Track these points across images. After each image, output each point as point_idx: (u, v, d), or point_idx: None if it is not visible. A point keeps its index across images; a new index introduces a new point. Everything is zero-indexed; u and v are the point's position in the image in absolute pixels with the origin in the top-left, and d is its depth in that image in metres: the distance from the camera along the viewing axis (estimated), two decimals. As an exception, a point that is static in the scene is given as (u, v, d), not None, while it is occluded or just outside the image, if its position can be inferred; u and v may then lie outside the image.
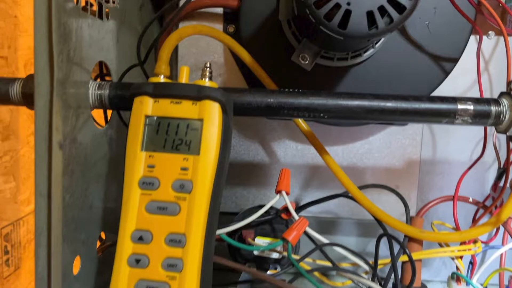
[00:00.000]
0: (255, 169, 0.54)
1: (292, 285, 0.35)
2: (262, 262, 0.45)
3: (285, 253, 0.42)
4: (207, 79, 0.35)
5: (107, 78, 0.43)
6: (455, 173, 0.56)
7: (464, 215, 0.52)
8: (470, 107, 0.38)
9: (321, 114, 0.38)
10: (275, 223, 0.46)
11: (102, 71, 0.41)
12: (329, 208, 0.54)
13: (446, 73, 0.47)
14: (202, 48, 0.52)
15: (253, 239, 0.44)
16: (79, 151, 0.35)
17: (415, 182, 0.54)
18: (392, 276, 0.40)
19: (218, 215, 0.34)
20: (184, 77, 0.35)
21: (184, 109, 0.33)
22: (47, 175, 0.28)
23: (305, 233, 0.40)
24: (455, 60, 0.47)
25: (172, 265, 0.32)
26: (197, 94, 0.33)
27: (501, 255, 0.46)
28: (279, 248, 0.41)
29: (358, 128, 0.53)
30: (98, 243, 0.40)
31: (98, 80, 0.40)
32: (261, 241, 0.44)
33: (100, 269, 0.40)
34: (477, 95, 0.49)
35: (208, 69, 0.35)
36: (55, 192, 0.29)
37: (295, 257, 0.41)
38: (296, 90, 0.39)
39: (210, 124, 0.33)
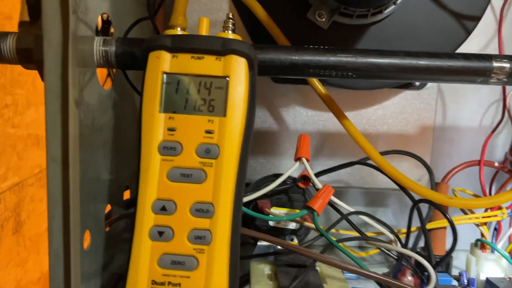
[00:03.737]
0: (262, 136, 0.51)
1: (326, 256, 0.33)
2: (278, 233, 0.43)
3: (307, 223, 0.39)
4: (230, 31, 0.31)
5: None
6: (464, 138, 0.55)
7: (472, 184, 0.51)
8: (507, 65, 0.36)
9: (350, 73, 0.35)
10: (291, 192, 0.43)
11: (106, 24, 0.36)
12: (340, 177, 0.52)
13: (468, 32, 0.45)
14: (204, 5, 0.48)
15: (269, 208, 0.41)
16: (87, 114, 0.31)
17: (429, 149, 0.52)
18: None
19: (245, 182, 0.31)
20: (204, 30, 0.31)
21: (206, 65, 0.30)
22: (61, 139, 0.25)
23: (329, 202, 0.37)
24: (477, 19, 0.45)
25: (200, 237, 0.29)
26: (222, 48, 0.30)
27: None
28: (302, 218, 0.39)
29: (371, 93, 0.51)
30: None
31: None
32: (278, 212, 0.41)
33: (108, 244, 0.37)
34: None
35: (231, 20, 0.31)
36: (73, 158, 0.25)
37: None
38: (322, 47, 0.36)
39: (236, 82, 0.30)
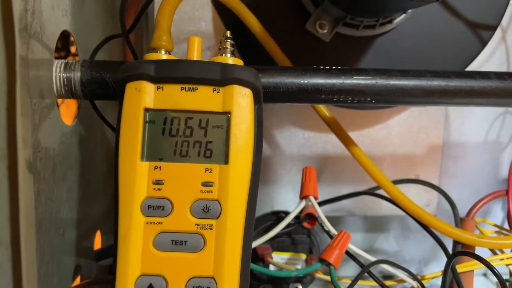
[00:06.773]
0: (254, 163, 0.45)
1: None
2: (281, 282, 0.36)
3: (319, 275, 0.33)
4: (229, 54, 0.25)
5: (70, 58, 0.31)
6: (469, 155, 0.51)
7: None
8: (546, 84, 0.31)
9: (368, 98, 0.29)
10: (294, 233, 0.37)
11: (68, 44, 0.29)
12: (342, 206, 0.47)
13: (484, 43, 0.40)
14: (185, 14, 0.42)
15: (271, 256, 0.35)
16: (45, 162, 0.24)
17: (438, 170, 0.47)
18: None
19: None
20: (195, 52, 0.25)
21: (201, 98, 0.23)
22: (9, 214, 0.18)
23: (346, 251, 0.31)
24: (493, 28, 0.40)
25: (200, 324, 0.22)
26: (220, 76, 0.23)
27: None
28: (315, 271, 0.33)
29: (374, 111, 0.45)
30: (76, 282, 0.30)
31: (69, 58, 0.29)
32: (279, 257, 0.35)
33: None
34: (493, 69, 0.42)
35: (229, 40, 0.25)
36: (27, 238, 0.18)
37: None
38: (335, 68, 0.30)
39: (240, 118, 0.23)
